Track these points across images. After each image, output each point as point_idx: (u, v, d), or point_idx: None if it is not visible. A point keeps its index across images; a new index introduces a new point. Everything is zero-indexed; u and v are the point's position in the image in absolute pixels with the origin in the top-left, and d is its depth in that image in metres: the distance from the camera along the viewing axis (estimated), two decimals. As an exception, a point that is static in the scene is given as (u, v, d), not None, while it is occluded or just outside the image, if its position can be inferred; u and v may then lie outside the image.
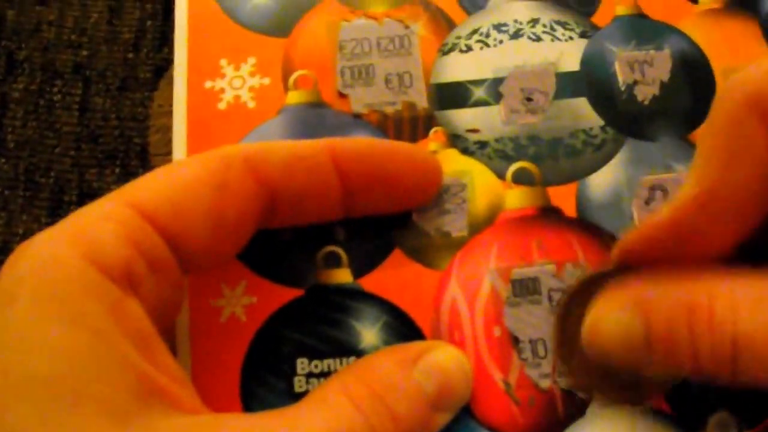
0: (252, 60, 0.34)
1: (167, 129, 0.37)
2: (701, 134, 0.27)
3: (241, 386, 0.30)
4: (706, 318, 0.25)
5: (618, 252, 0.28)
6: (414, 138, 0.33)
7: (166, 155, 0.37)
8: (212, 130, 0.33)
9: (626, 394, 0.30)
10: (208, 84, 0.33)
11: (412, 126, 0.33)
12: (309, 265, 0.32)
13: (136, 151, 0.38)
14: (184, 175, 0.28)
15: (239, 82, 0.33)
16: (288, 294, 0.31)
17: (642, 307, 0.26)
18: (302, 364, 0.30)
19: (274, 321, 0.31)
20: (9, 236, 0.37)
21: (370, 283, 0.31)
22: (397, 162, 0.31)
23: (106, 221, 0.26)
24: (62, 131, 0.39)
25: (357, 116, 0.33)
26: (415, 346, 0.29)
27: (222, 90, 0.33)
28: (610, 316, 0.27)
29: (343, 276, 0.31)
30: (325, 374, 0.30)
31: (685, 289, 0.26)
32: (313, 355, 0.31)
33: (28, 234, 0.37)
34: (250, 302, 0.31)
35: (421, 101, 0.33)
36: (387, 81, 0.33)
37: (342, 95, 0.33)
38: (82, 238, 0.25)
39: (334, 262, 0.32)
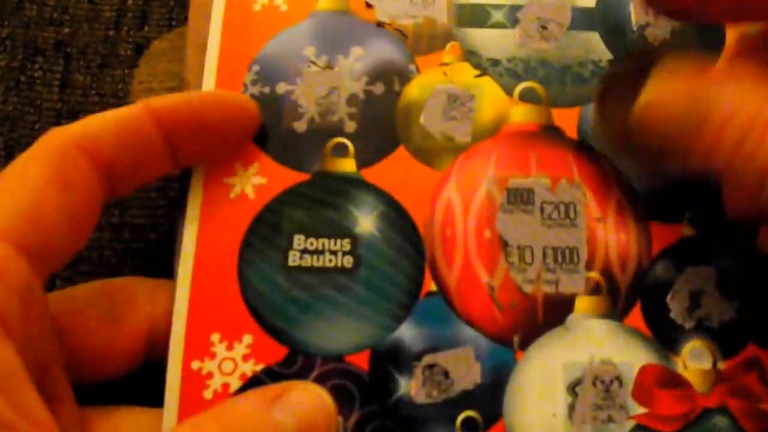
0: (288, -31, 0.36)
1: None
2: None
3: (240, 255, 0.32)
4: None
5: None
6: (431, 49, 0.35)
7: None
8: (246, 29, 0.35)
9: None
10: (246, -11, 0.36)
11: (430, 39, 0.35)
12: (319, 154, 0.33)
13: (116, 127, 0.39)
14: (31, 183, 0.28)
15: (276, -13, 0.36)
16: (296, 177, 0.33)
17: (709, 89, 0.27)
18: (299, 240, 0.32)
19: (278, 200, 0.33)
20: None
21: (372, 175, 0.33)
22: (214, 111, 0.32)
23: None
24: (43, 107, 0.39)
25: (380, 24, 0.35)
26: (276, 386, 0.29)
27: (259, -7, 0.36)
28: (678, 88, 0.28)
29: (347, 165, 0.33)
30: (318, 252, 0.32)
31: (755, 93, 0.26)
32: (310, 233, 0.32)
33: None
34: (261, 182, 0.33)
35: (442, 17, 0.35)
36: (412, -2, 0.35)
37: (368, 5, 0.35)
38: None
39: (341, 152, 0.33)
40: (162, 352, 0.32)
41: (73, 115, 0.39)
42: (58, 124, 0.38)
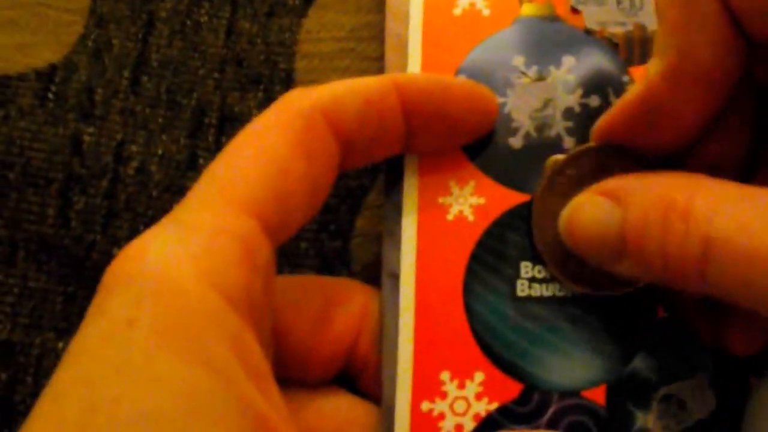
0: (490, -27, 0.33)
1: (314, 55, 0.37)
2: (660, 8, 0.26)
3: (464, 284, 0.30)
4: (681, 214, 0.24)
5: (596, 132, 0.29)
6: (643, 59, 0.33)
7: (311, 82, 0.37)
8: (449, 35, 0.32)
9: (587, 285, 0.30)
10: (445, -9, 0.33)
11: (642, 47, 0.33)
12: (538, 172, 0.31)
13: (280, 77, 0.37)
14: (276, 152, 0.27)
15: (476, -9, 0.33)
16: (515, 198, 0.31)
17: (621, 198, 0.26)
18: (526, 268, 0.30)
19: (500, 223, 0.31)
20: (148, 156, 0.36)
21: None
22: (457, 98, 0.30)
23: (226, 237, 0.24)
24: (207, 53, 0.38)
25: (589, 32, 0.33)
26: None
27: (459, -4, 0.33)
28: (591, 204, 0.27)
29: (570, 186, 0.31)
30: (548, 281, 0.30)
31: (666, 184, 0.25)
32: (537, 259, 0.30)
33: (166, 155, 0.36)
34: (478, 203, 0.31)
35: (652, 24, 0.33)
36: (619, 2, 0.33)
37: (575, 11, 0.33)
38: (203, 259, 0.24)
39: (562, 171, 0.31)
40: (358, 365, 0.30)
41: (238, 63, 0.37)
42: (222, 71, 0.37)
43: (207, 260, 0.24)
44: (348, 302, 0.30)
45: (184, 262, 0.23)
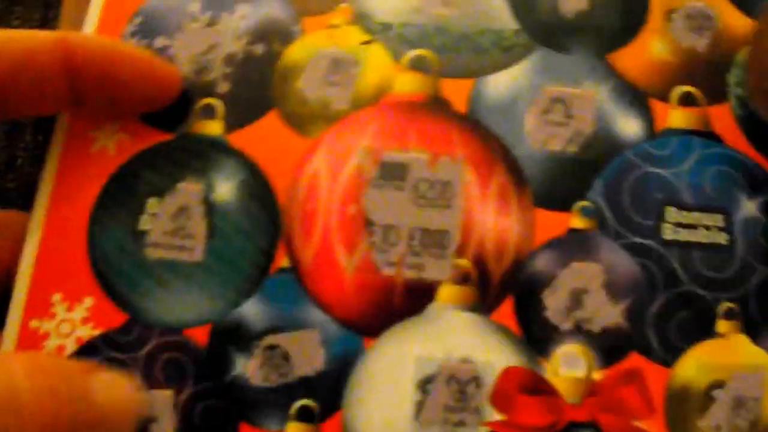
0: None
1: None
2: None
3: (92, 215, 0.30)
4: None
5: None
6: (321, 9, 0.32)
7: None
8: None
9: None
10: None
11: (320, -1, 0.32)
12: (187, 115, 0.31)
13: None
14: None
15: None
16: (157, 136, 0.31)
17: None
18: (151, 204, 0.30)
19: (137, 159, 0.31)
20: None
21: (239, 139, 0.31)
22: (128, 67, 0.30)
23: None
24: None
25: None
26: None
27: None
28: None
29: (213, 128, 0.31)
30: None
31: None
32: (164, 196, 0.30)
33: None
34: (122, 138, 0.31)
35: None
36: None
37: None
38: None
39: (209, 113, 0.31)
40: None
41: None
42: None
43: None
44: (3, 228, 0.32)
45: None
